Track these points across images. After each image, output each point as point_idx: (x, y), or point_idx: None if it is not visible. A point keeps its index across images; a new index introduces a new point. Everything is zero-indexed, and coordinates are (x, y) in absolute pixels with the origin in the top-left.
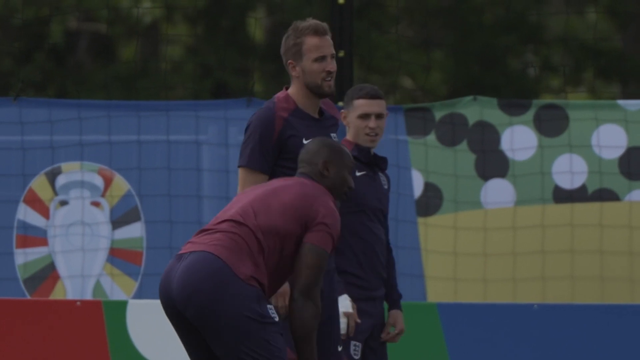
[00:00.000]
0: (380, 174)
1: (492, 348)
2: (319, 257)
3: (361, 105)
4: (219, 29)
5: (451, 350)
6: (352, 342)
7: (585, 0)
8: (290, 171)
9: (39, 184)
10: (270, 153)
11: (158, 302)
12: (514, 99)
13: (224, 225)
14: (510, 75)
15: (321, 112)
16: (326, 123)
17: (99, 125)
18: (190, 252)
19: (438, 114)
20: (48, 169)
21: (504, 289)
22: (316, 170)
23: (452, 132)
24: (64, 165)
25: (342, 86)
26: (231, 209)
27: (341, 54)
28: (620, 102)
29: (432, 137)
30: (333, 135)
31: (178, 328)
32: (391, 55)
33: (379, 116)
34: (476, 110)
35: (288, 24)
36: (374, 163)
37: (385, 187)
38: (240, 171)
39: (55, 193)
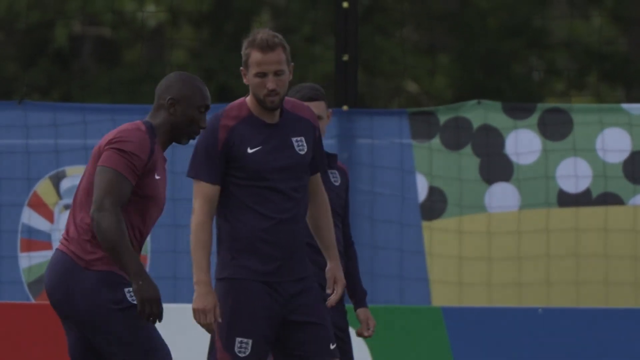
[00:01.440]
0: (331, 171)
1: (497, 352)
2: (106, 174)
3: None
4: (223, 33)
5: (456, 354)
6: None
7: (590, 4)
8: (241, 181)
9: (43, 188)
10: (217, 163)
11: (164, 305)
12: (518, 103)
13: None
14: (514, 79)
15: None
16: (286, 127)
17: (103, 128)
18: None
19: (442, 118)
20: (53, 172)
21: (509, 293)
22: (162, 106)
23: (457, 136)
24: (69, 169)
25: (347, 90)
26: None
27: (345, 57)
28: (625, 106)
29: (436, 141)
30: (295, 139)
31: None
32: (395, 59)
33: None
34: (480, 114)
35: (292, 29)
36: None
37: (337, 184)
38: (193, 183)
39: (60, 197)
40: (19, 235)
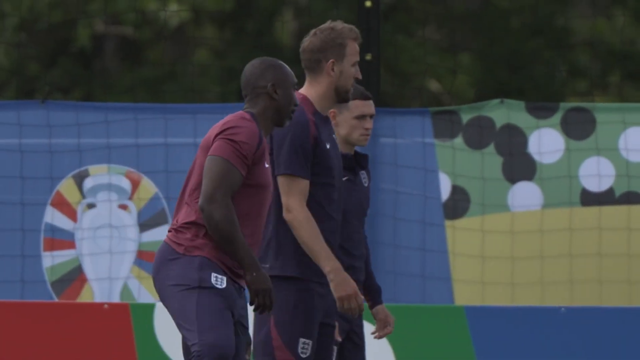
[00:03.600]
0: (362, 171)
1: (519, 351)
2: (216, 164)
3: (358, 106)
4: (245, 32)
5: (478, 353)
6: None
7: (613, 3)
8: (316, 178)
9: (66, 187)
10: (310, 158)
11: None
12: (541, 102)
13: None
14: (537, 78)
15: None
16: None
17: (126, 128)
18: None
19: (465, 117)
20: (75, 171)
21: (532, 291)
22: (261, 93)
23: (480, 135)
24: (92, 168)
25: (369, 89)
26: None
27: (368, 57)
28: None
29: (459, 140)
30: (334, 136)
31: None
32: (418, 59)
33: (372, 116)
34: (503, 113)
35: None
36: (356, 164)
37: (366, 184)
38: (283, 179)
39: (83, 196)
40: (42, 235)
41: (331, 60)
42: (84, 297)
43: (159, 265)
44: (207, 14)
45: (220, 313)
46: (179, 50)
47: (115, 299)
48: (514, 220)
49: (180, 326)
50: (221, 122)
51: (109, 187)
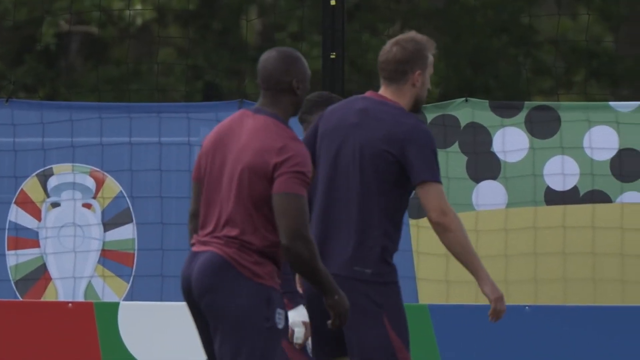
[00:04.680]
0: None
1: (483, 349)
2: (294, 202)
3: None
4: (210, 31)
5: (443, 351)
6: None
7: (577, 2)
8: (407, 184)
9: (30, 186)
10: None
11: (149, 303)
12: (506, 100)
13: None
14: (502, 77)
15: None
16: None
17: (90, 127)
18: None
19: (430, 116)
20: (40, 170)
21: None
22: (284, 90)
23: (444, 133)
24: (56, 167)
25: (334, 88)
26: None
27: (333, 55)
28: (612, 103)
29: None
30: None
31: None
32: None
33: None
34: (468, 112)
35: (280, 26)
36: None
37: None
38: (434, 186)
39: (47, 195)
40: (6, 233)
41: (418, 71)
42: (48, 296)
43: (217, 281)
44: (172, 13)
45: (275, 358)
46: (144, 49)
47: (80, 297)
48: (479, 219)
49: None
50: (272, 144)
51: (73, 186)
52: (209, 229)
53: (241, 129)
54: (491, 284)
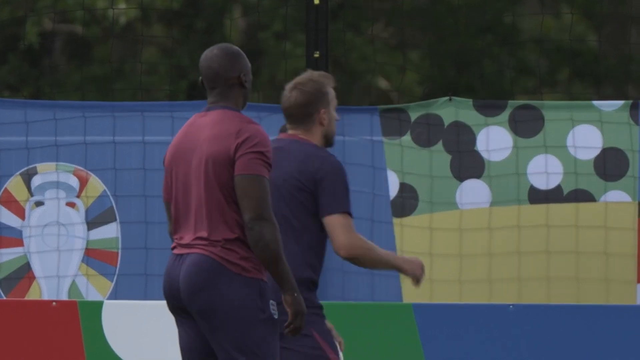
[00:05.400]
0: None
1: (467, 348)
2: (256, 182)
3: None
4: (194, 30)
5: (427, 350)
6: None
7: (561, 1)
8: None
9: (14, 185)
10: None
11: (133, 302)
12: (490, 99)
13: None
14: (485, 76)
15: None
16: None
17: (74, 126)
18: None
19: (413, 115)
20: (23, 169)
21: (480, 289)
22: (234, 84)
23: (428, 132)
24: (40, 166)
25: None
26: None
27: (316, 54)
28: (596, 103)
29: (407, 138)
30: None
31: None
32: (366, 57)
33: None
34: (452, 111)
35: (263, 25)
36: None
37: None
38: (344, 218)
39: (31, 194)
40: None
41: (322, 110)
42: (32, 295)
43: (207, 281)
44: (156, 12)
45: (276, 348)
46: (128, 48)
47: (63, 296)
48: (462, 218)
49: (238, 351)
50: (228, 130)
51: (57, 184)
52: (189, 232)
53: (197, 130)
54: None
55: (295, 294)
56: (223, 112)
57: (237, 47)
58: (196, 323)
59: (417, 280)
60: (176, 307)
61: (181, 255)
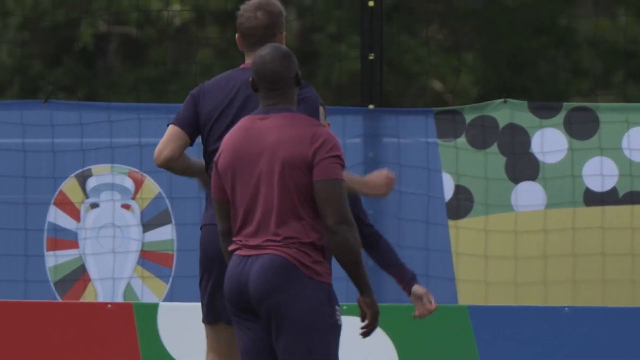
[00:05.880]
0: None
1: (522, 351)
2: (338, 187)
3: None
4: None
5: (482, 352)
6: None
7: (615, 2)
8: None
9: (69, 187)
10: None
11: (189, 304)
12: (545, 101)
13: None
14: (540, 78)
15: None
16: None
17: (129, 127)
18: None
19: (468, 117)
20: (78, 171)
21: (535, 291)
22: (291, 85)
23: (483, 134)
24: (95, 168)
25: (372, 89)
26: None
27: (371, 56)
28: None
29: (462, 140)
30: None
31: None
32: (421, 58)
33: None
34: (506, 113)
35: (318, 27)
36: None
37: None
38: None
39: (86, 195)
40: (45, 234)
41: (283, 32)
42: (87, 297)
43: (280, 282)
44: (210, 14)
45: (338, 353)
46: (182, 49)
47: (119, 298)
48: (517, 220)
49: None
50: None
51: (112, 186)
52: (258, 234)
53: (260, 134)
54: (374, 295)
55: (373, 296)
56: (288, 115)
57: (281, 46)
58: (259, 325)
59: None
60: (241, 309)
61: (249, 256)
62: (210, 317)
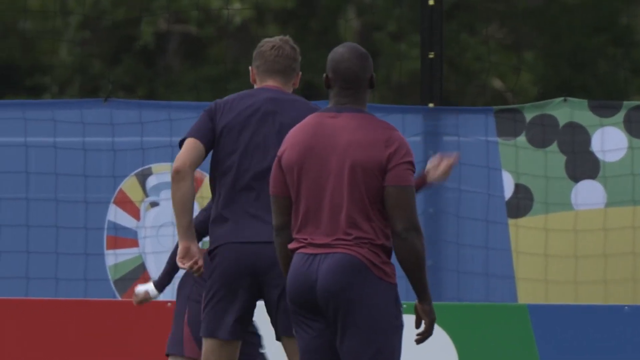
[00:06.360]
0: None
1: (582, 349)
2: (410, 194)
3: None
4: (308, 30)
5: (542, 351)
6: None
7: None
8: None
9: (129, 185)
10: None
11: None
12: (604, 100)
13: None
14: (600, 76)
15: None
16: None
17: (188, 126)
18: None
19: (528, 116)
20: (138, 170)
21: (595, 290)
22: (365, 86)
23: (543, 133)
24: (155, 167)
25: (433, 88)
26: None
27: (431, 55)
28: None
29: (522, 139)
30: None
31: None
32: (481, 57)
33: None
34: (566, 111)
35: (378, 26)
36: None
37: None
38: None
39: (146, 194)
40: (105, 233)
41: (300, 73)
42: None
43: (350, 281)
44: (270, 12)
45: (400, 354)
46: (242, 48)
47: None
48: (577, 219)
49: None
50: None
51: None
52: (325, 232)
53: (331, 132)
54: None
55: (432, 305)
56: (361, 117)
57: (362, 47)
58: (323, 325)
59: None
60: (305, 307)
61: (316, 255)
62: (234, 334)
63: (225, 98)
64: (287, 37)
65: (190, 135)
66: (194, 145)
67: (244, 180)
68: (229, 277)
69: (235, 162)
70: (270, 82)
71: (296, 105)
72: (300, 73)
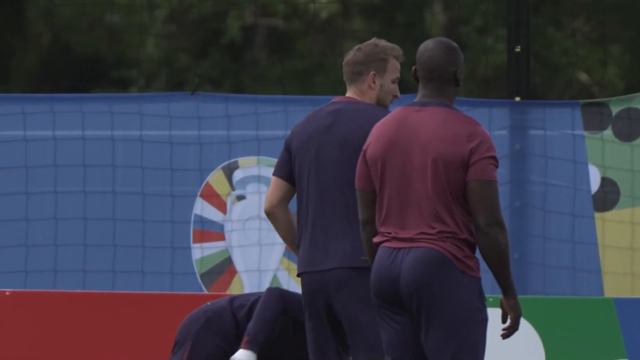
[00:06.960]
0: None
1: None
2: (494, 189)
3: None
4: (394, 24)
5: (628, 345)
6: None
7: None
8: None
9: (216, 179)
10: None
11: None
12: None
13: None
14: None
15: None
16: None
17: (275, 120)
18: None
19: (615, 109)
20: (225, 163)
21: None
22: (449, 80)
23: (629, 127)
24: (241, 160)
25: (519, 81)
26: None
27: (517, 49)
28: None
29: (609, 132)
30: None
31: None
32: (567, 51)
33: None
34: None
35: (464, 20)
36: None
37: None
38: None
39: (232, 188)
40: (192, 226)
41: (373, 73)
42: (233, 289)
43: (434, 275)
44: (357, 6)
45: (485, 348)
46: (328, 42)
47: None
48: None
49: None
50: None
51: (259, 179)
52: (409, 226)
53: (415, 126)
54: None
55: (517, 299)
56: (445, 111)
57: (455, 43)
58: (406, 318)
59: None
60: (388, 301)
61: (400, 249)
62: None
63: (298, 122)
64: (365, 43)
65: (273, 172)
66: (276, 184)
67: (309, 206)
68: (316, 306)
69: (304, 189)
70: (348, 93)
71: (359, 115)
72: (373, 72)
